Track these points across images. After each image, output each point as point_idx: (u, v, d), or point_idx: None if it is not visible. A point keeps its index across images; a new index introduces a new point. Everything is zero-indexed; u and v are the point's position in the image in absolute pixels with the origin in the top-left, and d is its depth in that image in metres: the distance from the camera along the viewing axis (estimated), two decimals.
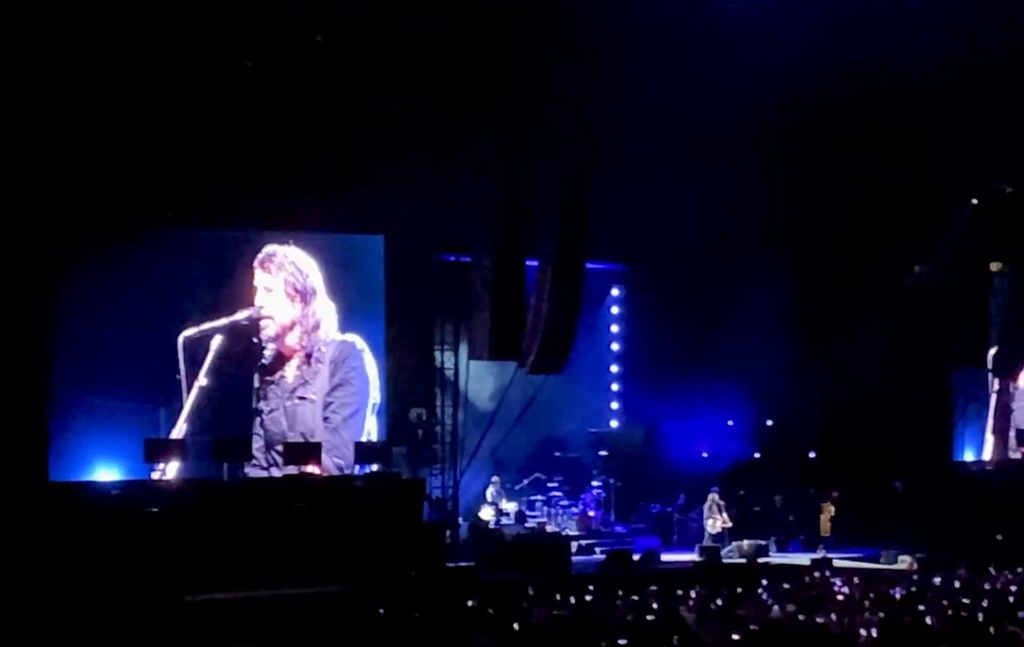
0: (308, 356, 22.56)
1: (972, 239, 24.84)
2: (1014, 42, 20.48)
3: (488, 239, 21.09)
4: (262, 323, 22.19)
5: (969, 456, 26.14)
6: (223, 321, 21.75)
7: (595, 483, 25.86)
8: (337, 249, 23.07)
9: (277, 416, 22.18)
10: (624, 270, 27.11)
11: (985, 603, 13.10)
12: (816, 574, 18.18)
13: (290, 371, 22.42)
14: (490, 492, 24.41)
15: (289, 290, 22.54)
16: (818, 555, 22.46)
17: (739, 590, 15.41)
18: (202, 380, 21.36)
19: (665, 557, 22.70)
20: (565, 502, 25.29)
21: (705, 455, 26.32)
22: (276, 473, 21.24)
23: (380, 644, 12.64)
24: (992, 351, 25.80)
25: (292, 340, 22.52)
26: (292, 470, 20.55)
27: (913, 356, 25.01)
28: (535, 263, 21.47)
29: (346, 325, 22.93)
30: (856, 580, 16.64)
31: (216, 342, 21.59)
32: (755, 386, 25.56)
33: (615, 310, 27.70)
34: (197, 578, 16.97)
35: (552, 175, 21.30)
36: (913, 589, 15.11)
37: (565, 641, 11.20)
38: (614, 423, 27.52)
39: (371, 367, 23.04)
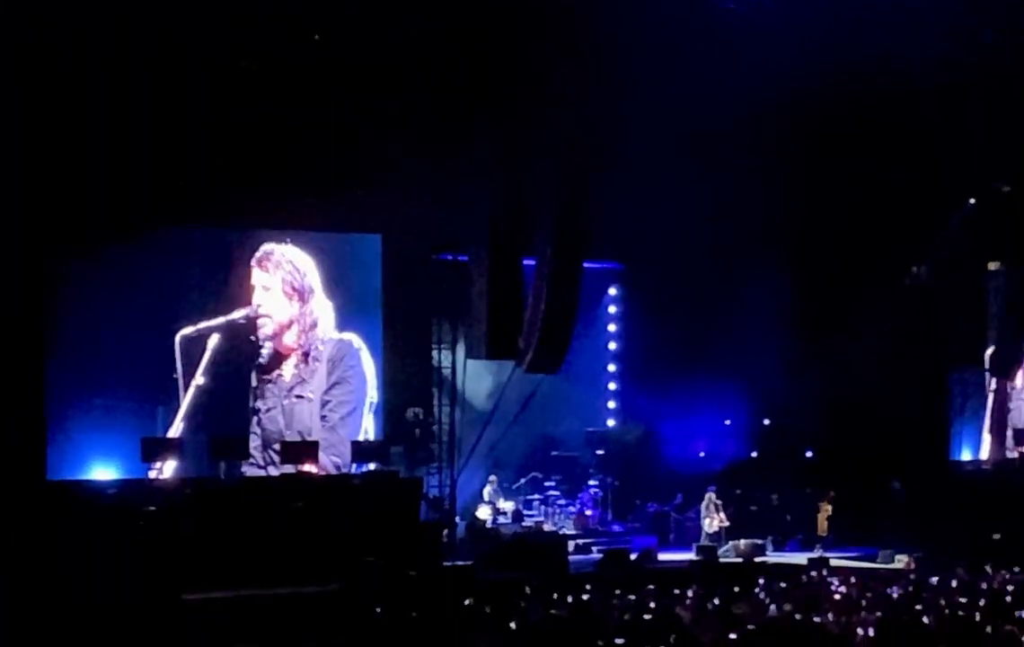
0: (305, 355, 22.56)
1: (971, 239, 24.83)
2: (1014, 42, 20.47)
3: (486, 238, 21.07)
4: (259, 322, 22.20)
5: (966, 456, 26.09)
6: (220, 320, 21.77)
7: (592, 482, 25.81)
8: (335, 248, 23.08)
9: (274, 415, 22.19)
10: (622, 269, 27.11)
11: (982, 603, 13.08)
12: (813, 573, 18.16)
13: (287, 370, 22.43)
14: (487, 491, 24.41)
15: (287, 288, 22.54)
16: (815, 554, 22.45)
17: (736, 589, 15.41)
18: (199, 379, 21.38)
19: (662, 556, 22.68)
20: (562, 501, 25.25)
21: (702, 454, 26.29)
22: (273, 472, 21.24)
23: (377, 643, 12.64)
24: (989, 351, 25.80)
25: (289, 339, 22.52)
26: (289, 469, 20.56)
27: (911, 356, 24.97)
28: (532, 262, 21.48)
29: (344, 324, 22.94)
30: (853, 580, 16.59)
31: (213, 341, 21.61)
32: (752, 385, 25.52)
33: (612, 309, 27.66)
34: (194, 577, 16.97)
35: (552, 175, 21.28)
36: (910, 589, 15.10)
37: (562, 640, 11.22)
38: (611, 422, 27.47)
39: (368, 366, 23.05)
